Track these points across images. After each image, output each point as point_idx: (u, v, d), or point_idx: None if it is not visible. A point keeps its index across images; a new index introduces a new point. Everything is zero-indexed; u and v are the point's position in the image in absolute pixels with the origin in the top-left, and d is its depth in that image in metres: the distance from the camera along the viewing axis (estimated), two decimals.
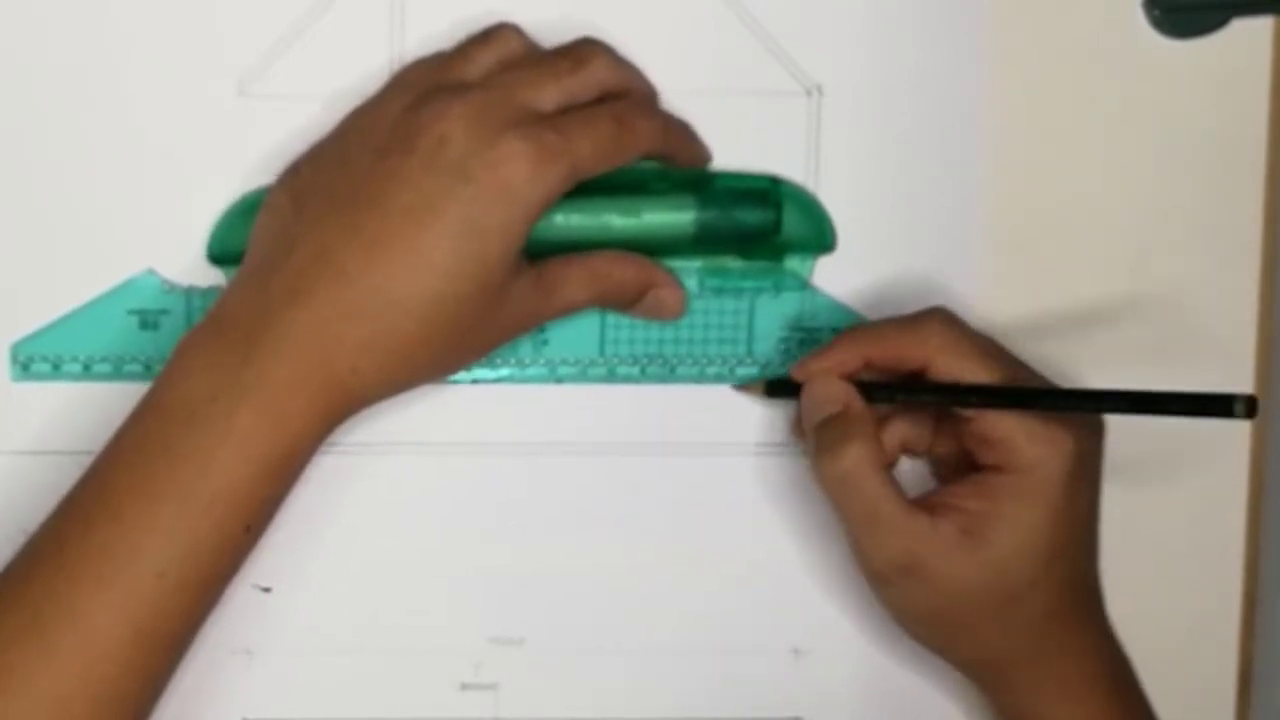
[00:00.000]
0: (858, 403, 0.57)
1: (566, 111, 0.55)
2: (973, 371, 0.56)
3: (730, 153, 0.60)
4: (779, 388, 0.60)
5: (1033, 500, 0.55)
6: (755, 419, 0.62)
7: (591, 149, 0.54)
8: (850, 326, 0.59)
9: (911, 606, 0.58)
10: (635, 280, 0.59)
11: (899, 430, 0.59)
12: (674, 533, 0.62)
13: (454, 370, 0.58)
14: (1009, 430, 0.56)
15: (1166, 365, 0.62)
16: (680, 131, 0.59)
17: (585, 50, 0.57)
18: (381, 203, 0.53)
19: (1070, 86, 0.61)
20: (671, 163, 0.59)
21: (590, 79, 0.56)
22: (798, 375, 0.58)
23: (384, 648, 0.61)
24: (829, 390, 0.58)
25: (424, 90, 0.55)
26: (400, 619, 0.61)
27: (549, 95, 0.55)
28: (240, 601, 0.61)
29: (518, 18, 0.59)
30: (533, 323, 0.57)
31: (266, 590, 0.61)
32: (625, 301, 0.59)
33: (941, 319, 0.58)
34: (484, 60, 0.56)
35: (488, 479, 0.61)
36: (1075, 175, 0.61)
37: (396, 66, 0.59)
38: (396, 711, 0.62)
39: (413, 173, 0.53)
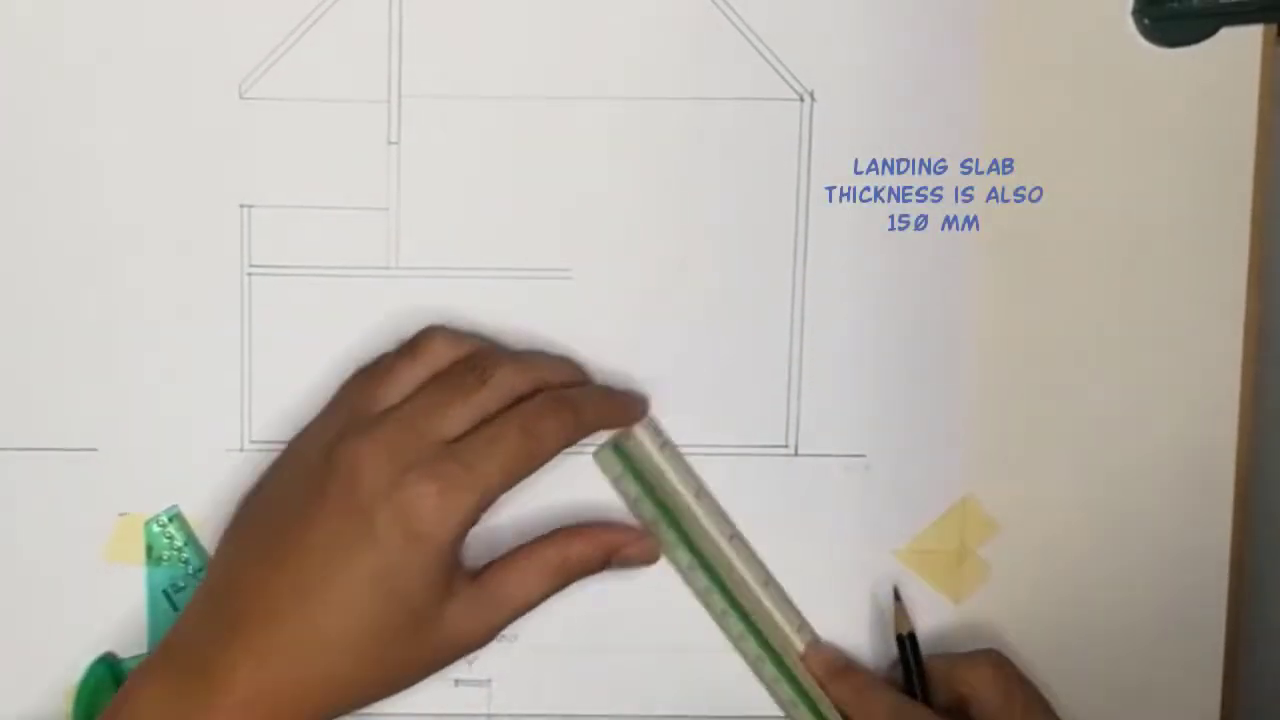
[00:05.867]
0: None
1: (477, 428, 0.56)
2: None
3: (722, 159, 0.61)
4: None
5: None
6: (748, 420, 0.62)
7: (499, 469, 0.56)
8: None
9: None
10: (596, 554, 0.59)
11: None
12: None
13: (407, 686, 0.57)
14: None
15: (1156, 370, 0.62)
16: (598, 406, 0.60)
17: (490, 361, 0.58)
18: (303, 543, 0.55)
19: (1060, 94, 0.61)
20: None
21: (498, 391, 0.57)
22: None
23: None
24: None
25: (345, 424, 0.57)
26: None
27: (456, 418, 0.56)
28: None
29: (513, 23, 0.60)
30: (488, 632, 0.58)
31: None
32: (592, 572, 0.60)
33: (994, 660, 0.61)
34: (406, 380, 0.58)
35: None
36: (1065, 181, 0.61)
37: (395, 69, 0.60)
38: (391, 707, 0.62)
39: (328, 516, 0.55)
